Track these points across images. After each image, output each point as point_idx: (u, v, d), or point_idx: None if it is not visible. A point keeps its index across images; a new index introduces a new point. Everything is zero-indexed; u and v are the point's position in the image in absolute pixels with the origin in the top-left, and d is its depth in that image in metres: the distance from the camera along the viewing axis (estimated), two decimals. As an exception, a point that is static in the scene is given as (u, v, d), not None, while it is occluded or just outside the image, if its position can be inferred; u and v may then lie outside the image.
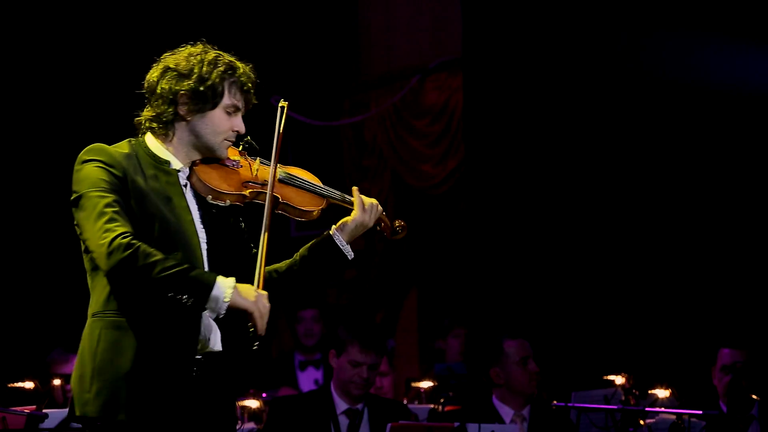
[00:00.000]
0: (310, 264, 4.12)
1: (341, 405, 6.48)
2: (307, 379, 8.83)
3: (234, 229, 4.04)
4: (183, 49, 3.99)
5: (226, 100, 3.93)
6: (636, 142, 8.57)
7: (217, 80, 3.90)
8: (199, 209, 3.93)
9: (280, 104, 4.02)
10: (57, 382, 6.17)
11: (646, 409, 6.49)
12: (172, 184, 3.90)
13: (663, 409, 6.54)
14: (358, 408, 6.48)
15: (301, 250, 4.15)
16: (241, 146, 4.06)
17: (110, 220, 3.72)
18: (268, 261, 3.95)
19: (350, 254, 4.14)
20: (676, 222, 8.44)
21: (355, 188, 4.17)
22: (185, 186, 3.94)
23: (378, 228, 4.24)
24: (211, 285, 3.70)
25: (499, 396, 6.67)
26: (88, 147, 3.89)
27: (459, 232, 9.86)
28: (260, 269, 3.84)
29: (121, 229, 3.70)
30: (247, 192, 3.97)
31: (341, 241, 4.12)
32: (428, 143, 10.17)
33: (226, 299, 3.70)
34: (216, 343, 3.88)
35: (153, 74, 3.96)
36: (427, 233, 10.23)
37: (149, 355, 3.76)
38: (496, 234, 9.18)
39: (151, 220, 3.81)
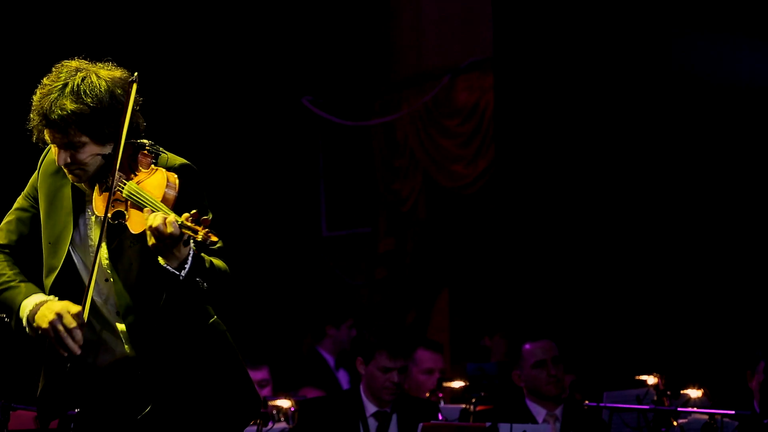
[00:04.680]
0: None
1: (370, 407, 6.55)
2: (345, 378, 8.83)
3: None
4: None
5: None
6: (668, 141, 8.54)
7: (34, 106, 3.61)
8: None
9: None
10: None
11: (679, 409, 6.47)
12: (73, 189, 3.74)
13: (695, 409, 6.52)
14: (386, 410, 6.54)
15: None
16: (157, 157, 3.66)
17: None
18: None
19: (176, 272, 3.49)
20: (711, 222, 8.41)
21: (146, 209, 3.52)
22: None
23: (190, 240, 3.46)
24: (15, 308, 3.65)
25: (530, 396, 6.69)
26: None
27: (490, 232, 9.85)
28: (88, 288, 3.60)
29: None
30: (112, 211, 3.59)
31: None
32: (459, 143, 10.17)
33: (24, 323, 3.63)
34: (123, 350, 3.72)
35: None
36: (459, 233, 10.23)
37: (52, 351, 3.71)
38: (528, 234, 9.17)
39: (46, 224, 3.75)
